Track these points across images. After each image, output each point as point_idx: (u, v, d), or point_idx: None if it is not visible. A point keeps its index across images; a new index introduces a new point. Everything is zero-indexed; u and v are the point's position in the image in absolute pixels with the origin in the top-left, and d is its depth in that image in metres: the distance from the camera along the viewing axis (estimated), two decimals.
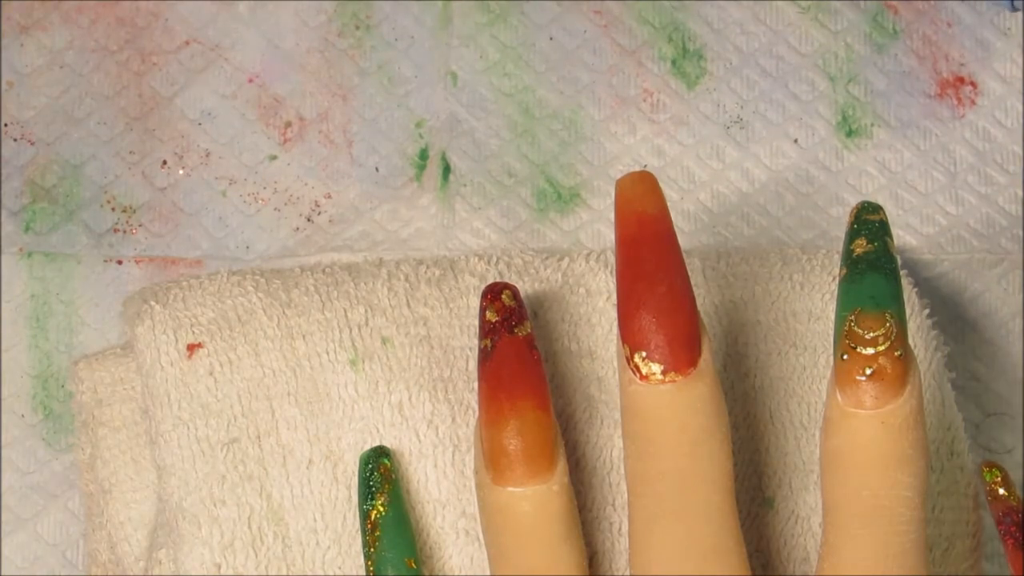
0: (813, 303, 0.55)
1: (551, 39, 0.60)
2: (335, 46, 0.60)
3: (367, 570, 0.51)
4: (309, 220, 0.59)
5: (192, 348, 0.53)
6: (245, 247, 0.58)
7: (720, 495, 0.47)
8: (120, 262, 0.58)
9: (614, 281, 0.48)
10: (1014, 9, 0.56)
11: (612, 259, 0.54)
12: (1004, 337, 0.59)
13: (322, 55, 0.59)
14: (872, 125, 0.60)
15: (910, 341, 0.46)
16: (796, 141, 0.60)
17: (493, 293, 0.50)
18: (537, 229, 0.59)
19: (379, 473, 0.52)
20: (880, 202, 0.58)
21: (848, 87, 0.60)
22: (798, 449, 0.54)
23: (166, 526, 0.53)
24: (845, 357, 0.46)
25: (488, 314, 0.49)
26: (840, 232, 0.59)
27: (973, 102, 0.60)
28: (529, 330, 0.49)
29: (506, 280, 0.54)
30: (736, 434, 0.54)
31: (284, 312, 0.54)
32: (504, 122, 0.59)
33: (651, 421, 0.47)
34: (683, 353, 0.46)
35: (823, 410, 0.47)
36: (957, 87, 0.60)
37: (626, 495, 0.51)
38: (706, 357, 0.47)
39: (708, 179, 0.59)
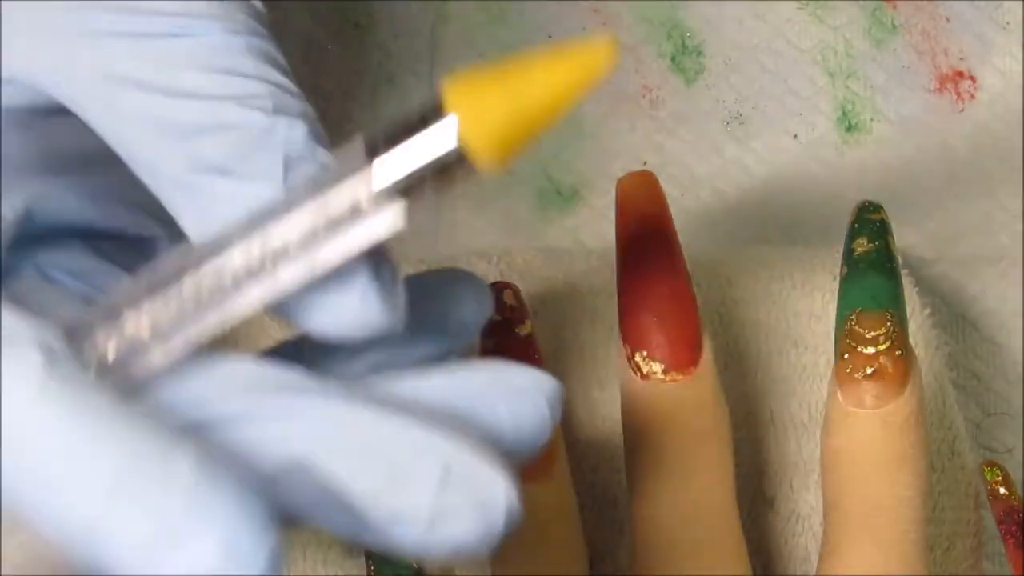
0: (814, 302, 0.55)
1: (549, 37, 0.60)
2: (334, 46, 0.60)
3: (367, 569, 0.51)
4: None
5: None
6: None
7: (721, 494, 0.47)
8: None
9: (615, 280, 0.48)
10: None
11: (613, 258, 0.54)
12: (1005, 336, 0.59)
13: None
14: (872, 120, 0.60)
15: (911, 340, 0.46)
16: (796, 137, 0.60)
17: (494, 292, 0.50)
18: (538, 228, 0.59)
19: None
20: (879, 198, 0.58)
21: (847, 82, 0.60)
22: (799, 449, 0.54)
23: None
24: (846, 356, 0.46)
25: None
26: (840, 227, 0.59)
27: (972, 96, 0.60)
28: (530, 329, 0.49)
29: (507, 279, 0.54)
30: (736, 434, 0.53)
31: None
32: None
33: (652, 421, 0.47)
34: (684, 352, 0.46)
35: (824, 410, 0.47)
36: (956, 82, 0.60)
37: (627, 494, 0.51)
38: (707, 356, 0.47)
39: (708, 176, 0.59)
